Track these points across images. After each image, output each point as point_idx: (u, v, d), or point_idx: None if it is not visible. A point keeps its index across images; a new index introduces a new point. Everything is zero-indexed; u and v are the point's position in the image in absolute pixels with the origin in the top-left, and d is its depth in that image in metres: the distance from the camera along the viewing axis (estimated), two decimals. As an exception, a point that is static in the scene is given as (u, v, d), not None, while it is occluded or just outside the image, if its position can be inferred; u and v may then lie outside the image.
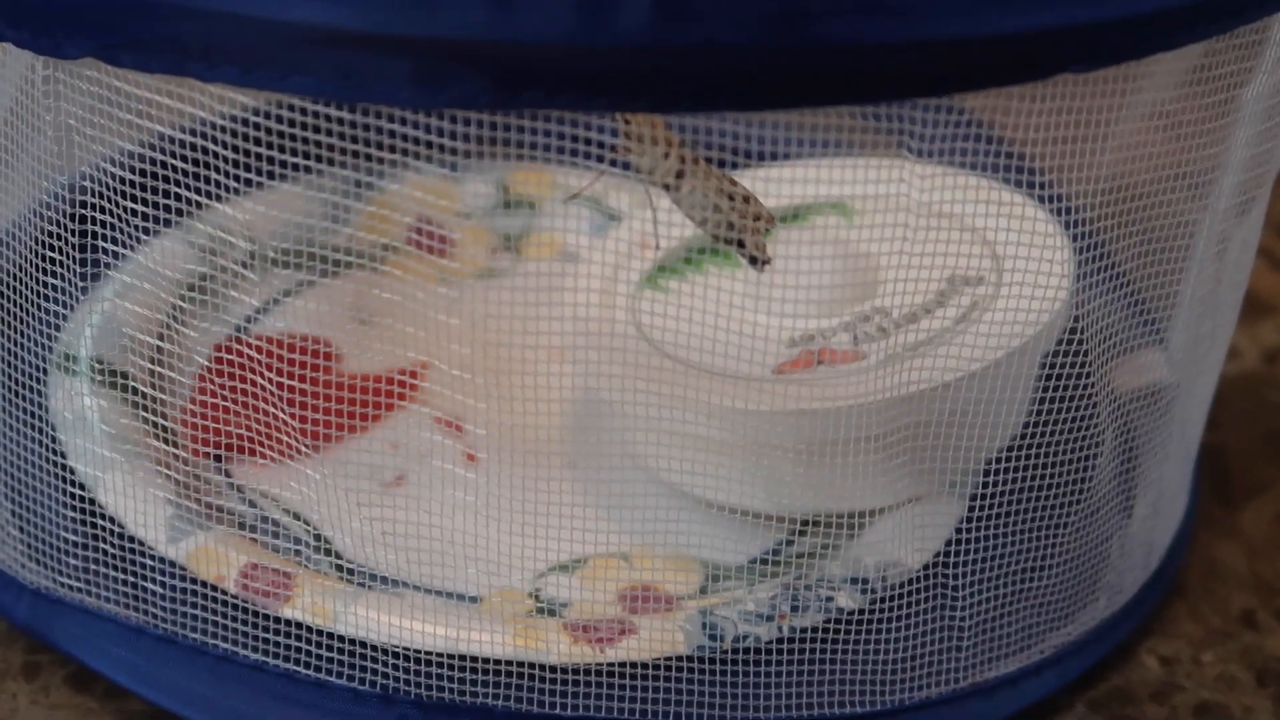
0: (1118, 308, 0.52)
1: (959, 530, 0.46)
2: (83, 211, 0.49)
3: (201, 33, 0.38)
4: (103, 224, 0.48)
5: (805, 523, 0.50)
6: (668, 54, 0.37)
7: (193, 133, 0.50)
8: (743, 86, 0.37)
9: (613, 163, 0.42)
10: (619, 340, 0.50)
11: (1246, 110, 0.46)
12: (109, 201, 0.48)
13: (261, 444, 0.51)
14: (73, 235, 0.49)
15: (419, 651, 0.46)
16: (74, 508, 0.48)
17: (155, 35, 0.39)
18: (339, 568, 0.48)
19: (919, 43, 0.37)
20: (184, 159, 0.48)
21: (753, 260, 0.44)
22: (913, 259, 0.48)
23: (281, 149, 0.49)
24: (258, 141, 0.48)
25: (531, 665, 0.46)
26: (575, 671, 0.45)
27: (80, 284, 0.51)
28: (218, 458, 0.51)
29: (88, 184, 0.50)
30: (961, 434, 0.47)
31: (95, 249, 0.50)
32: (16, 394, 0.49)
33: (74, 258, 0.48)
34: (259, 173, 0.49)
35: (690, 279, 0.52)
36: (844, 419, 0.46)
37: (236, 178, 0.51)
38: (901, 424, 0.47)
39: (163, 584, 0.47)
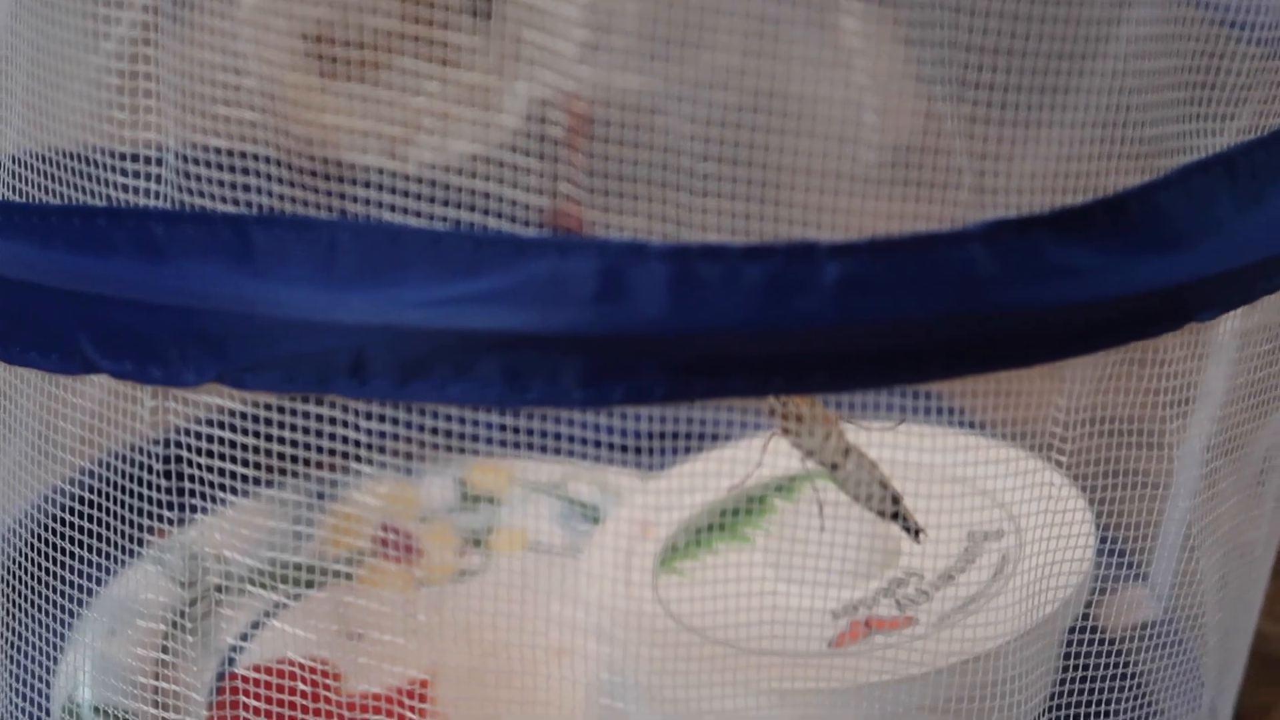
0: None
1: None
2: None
3: (353, 347, 0.37)
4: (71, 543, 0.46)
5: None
6: (849, 331, 0.37)
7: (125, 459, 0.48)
8: (923, 358, 0.37)
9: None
10: (657, 625, 0.49)
11: (1217, 350, 0.48)
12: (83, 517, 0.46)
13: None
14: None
15: None
16: None
17: (296, 353, 0.37)
18: None
19: (1104, 301, 0.37)
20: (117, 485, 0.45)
21: (916, 532, 0.44)
22: (929, 518, 0.49)
23: (229, 459, 0.47)
24: (198, 451, 0.46)
25: None
26: None
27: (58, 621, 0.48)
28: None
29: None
30: (1021, 689, 0.47)
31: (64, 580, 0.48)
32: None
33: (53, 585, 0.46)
34: (210, 485, 0.46)
35: (703, 559, 0.51)
36: (926, 685, 0.46)
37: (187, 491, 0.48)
38: (971, 685, 0.47)
39: None
